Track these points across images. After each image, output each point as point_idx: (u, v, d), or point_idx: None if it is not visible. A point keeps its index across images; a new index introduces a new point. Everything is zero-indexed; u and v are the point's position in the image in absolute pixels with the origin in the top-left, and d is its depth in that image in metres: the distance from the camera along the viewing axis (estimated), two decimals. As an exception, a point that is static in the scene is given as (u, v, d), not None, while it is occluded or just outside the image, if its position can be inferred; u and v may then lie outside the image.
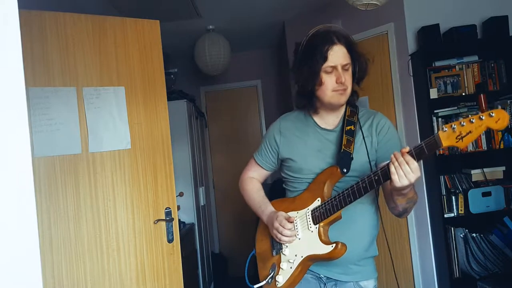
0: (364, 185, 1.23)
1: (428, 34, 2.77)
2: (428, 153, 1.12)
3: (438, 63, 2.85)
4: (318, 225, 1.34)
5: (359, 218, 1.40)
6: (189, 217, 3.68)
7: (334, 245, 1.30)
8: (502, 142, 2.73)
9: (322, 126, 1.46)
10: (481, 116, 1.04)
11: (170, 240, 2.09)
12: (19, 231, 0.55)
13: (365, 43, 3.13)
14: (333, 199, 1.31)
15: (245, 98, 4.98)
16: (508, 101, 2.71)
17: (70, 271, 1.88)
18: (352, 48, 1.39)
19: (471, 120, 1.05)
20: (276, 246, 1.47)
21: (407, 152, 1.13)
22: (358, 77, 1.42)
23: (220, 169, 4.88)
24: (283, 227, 1.37)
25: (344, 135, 1.39)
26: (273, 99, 4.92)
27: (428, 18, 2.85)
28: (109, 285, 1.95)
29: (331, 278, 1.43)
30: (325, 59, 1.34)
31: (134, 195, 2.04)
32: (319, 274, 1.44)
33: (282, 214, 1.40)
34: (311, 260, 1.38)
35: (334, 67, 1.35)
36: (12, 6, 0.56)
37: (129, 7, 3.11)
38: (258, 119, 4.97)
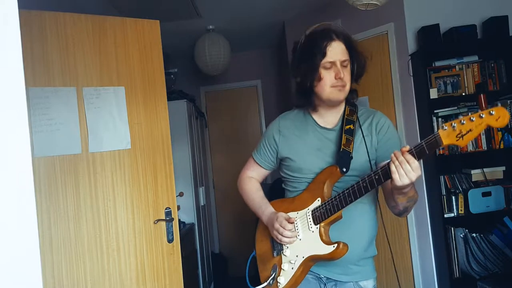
0: (364, 184, 1.23)
1: (428, 34, 2.77)
2: (428, 152, 1.12)
3: (438, 63, 2.85)
4: (318, 225, 1.34)
5: (359, 218, 1.40)
6: (189, 217, 3.68)
7: (335, 245, 1.29)
8: (502, 142, 2.73)
9: (322, 125, 1.46)
10: (481, 114, 1.03)
11: (170, 240, 2.09)
12: (19, 231, 0.55)
13: (365, 43, 3.12)
14: (333, 199, 1.30)
15: (245, 98, 4.98)
16: (508, 101, 2.70)
17: (70, 271, 1.88)
18: (350, 45, 1.40)
19: (471, 118, 1.05)
20: (277, 247, 1.46)
21: (408, 151, 1.13)
22: (356, 74, 1.42)
23: (220, 169, 4.88)
24: (284, 228, 1.36)
25: (343, 134, 1.39)
26: (273, 99, 4.92)
27: (428, 18, 2.85)
28: (109, 285, 1.95)
29: (331, 279, 1.43)
30: (324, 54, 1.34)
31: (134, 195, 2.04)
32: (319, 274, 1.44)
33: (282, 214, 1.40)
34: (313, 261, 1.37)
35: (333, 63, 1.36)
36: (12, 6, 0.56)
37: (129, 7, 3.11)
38: (258, 119, 4.97)
